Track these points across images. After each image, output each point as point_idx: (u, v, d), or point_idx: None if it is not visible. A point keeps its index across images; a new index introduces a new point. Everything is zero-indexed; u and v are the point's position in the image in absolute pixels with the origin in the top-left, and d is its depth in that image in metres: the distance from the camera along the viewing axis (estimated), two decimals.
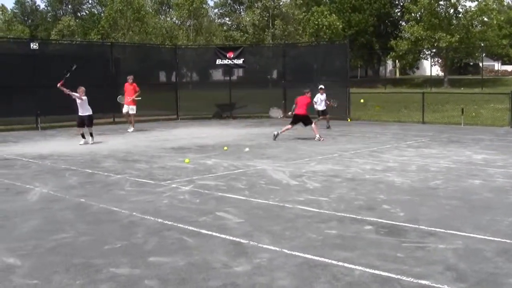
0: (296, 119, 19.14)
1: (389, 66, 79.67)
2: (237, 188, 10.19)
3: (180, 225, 7.57)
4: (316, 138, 18.37)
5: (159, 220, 7.88)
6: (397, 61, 68.80)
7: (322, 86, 23.36)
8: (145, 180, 11.08)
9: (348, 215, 8.06)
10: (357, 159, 13.83)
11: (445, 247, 6.51)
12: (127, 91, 22.81)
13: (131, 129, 22.60)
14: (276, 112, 20.50)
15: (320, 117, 22.88)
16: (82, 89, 18.43)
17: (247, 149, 16.07)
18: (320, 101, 22.91)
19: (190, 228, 7.44)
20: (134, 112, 22.85)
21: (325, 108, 23.11)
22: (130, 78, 22.97)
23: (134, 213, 8.27)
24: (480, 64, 63.09)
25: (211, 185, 10.43)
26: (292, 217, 7.99)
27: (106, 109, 27.30)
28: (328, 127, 22.63)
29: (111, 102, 27.09)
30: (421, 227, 7.40)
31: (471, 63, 75.07)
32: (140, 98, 22.81)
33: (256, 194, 9.62)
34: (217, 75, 37.04)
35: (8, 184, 10.95)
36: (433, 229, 7.27)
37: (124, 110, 23.00)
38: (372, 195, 9.47)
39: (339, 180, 10.95)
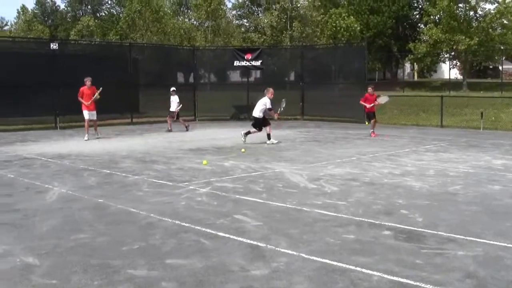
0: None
1: (407, 68, 79.28)
2: (255, 190, 10.18)
3: (198, 227, 7.56)
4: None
5: (177, 221, 7.88)
6: (415, 63, 68.43)
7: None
8: (163, 182, 11.09)
9: (366, 220, 8.02)
10: (375, 163, 13.77)
11: (465, 254, 6.46)
12: (86, 95, 20.02)
13: (98, 134, 20.54)
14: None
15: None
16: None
17: (243, 150, 16.16)
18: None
19: (208, 230, 7.43)
20: (95, 118, 20.43)
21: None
22: (88, 81, 20.09)
23: (152, 214, 8.28)
24: (500, 67, 62.57)
25: (228, 187, 10.43)
26: (310, 221, 7.97)
27: (124, 109, 27.47)
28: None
29: (129, 103, 27.27)
30: (440, 233, 7.34)
31: (491, 66, 74.47)
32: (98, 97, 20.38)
33: (274, 197, 9.60)
34: (235, 76, 37.08)
35: (28, 183, 11.02)
36: (452, 235, 7.21)
37: (88, 116, 20.15)
38: (391, 199, 9.42)
39: (357, 184, 10.91)
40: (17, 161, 14.38)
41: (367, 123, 26.32)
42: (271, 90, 19.22)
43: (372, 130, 20.94)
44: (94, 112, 20.24)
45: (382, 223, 7.86)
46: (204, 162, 13.55)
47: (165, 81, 29.82)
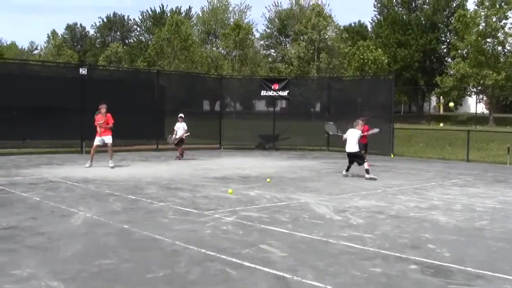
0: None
1: (433, 102, 79.06)
2: (280, 221, 10.11)
3: (223, 256, 7.51)
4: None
5: (202, 250, 7.83)
6: (441, 97, 68.29)
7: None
8: (188, 209, 11.07)
9: (392, 254, 7.92)
10: (401, 196, 13.66)
11: None
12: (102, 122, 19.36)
13: (111, 163, 19.25)
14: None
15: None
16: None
17: (268, 179, 16.11)
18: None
19: (233, 260, 7.37)
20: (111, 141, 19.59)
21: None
22: (103, 107, 19.44)
23: (177, 242, 8.24)
24: None
25: (254, 217, 10.38)
26: (336, 253, 7.89)
27: (151, 135, 27.58)
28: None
29: (156, 129, 27.39)
30: (467, 268, 7.22)
31: None
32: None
33: (300, 227, 9.53)
34: (260, 105, 37.17)
35: (53, 207, 11.05)
36: (480, 271, 7.09)
37: (99, 142, 19.52)
38: (417, 233, 9.31)
39: (383, 217, 10.81)
40: (42, 184, 14.46)
41: (392, 155, 26.26)
42: (360, 122, 18.30)
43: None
44: (109, 137, 19.44)
45: (409, 257, 7.75)
46: (230, 191, 13.51)
47: (191, 108, 30.01)
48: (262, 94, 31.12)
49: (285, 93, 30.64)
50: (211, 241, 8.43)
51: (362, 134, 18.96)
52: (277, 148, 29.87)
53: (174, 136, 22.80)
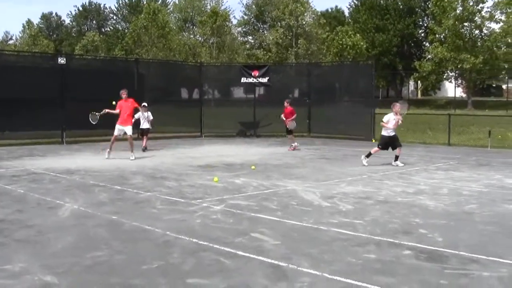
0: None
1: (411, 86, 79.39)
2: (270, 208, 10.07)
3: (216, 246, 7.45)
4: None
5: (194, 240, 7.76)
6: (419, 82, 68.58)
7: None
8: (175, 199, 10.99)
9: (385, 239, 7.91)
10: (387, 181, 13.68)
11: (490, 275, 6.34)
12: (124, 108, 18.64)
13: (132, 156, 18.48)
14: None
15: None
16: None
17: (253, 167, 16.10)
18: None
19: (226, 249, 7.31)
20: (131, 133, 19.03)
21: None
22: (124, 93, 18.86)
23: (168, 232, 8.17)
24: (504, 86, 62.73)
25: (242, 205, 10.33)
26: (328, 240, 7.86)
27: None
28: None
29: (134, 119, 27.16)
30: (461, 253, 7.22)
31: (494, 85, 74.63)
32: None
33: (289, 215, 9.49)
34: (239, 92, 37.06)
35: (39, 199, 10.92)
36: (474, 255, 7.09)
37: (118, 131, 18.82)
38: (407, 218, 9.32)
39: (371, 202, 10.81)
40: (25, 176, 14.30)
41: (373, 140, 26.30)
42: (397, 105, 17.48)
43: (291, 144, 22.29)
44: (129, 127, 18.71)
45: (402, 242, 7.75)
46: (215, 179, 13.45)
47: (170, 97, 29.90)
48: (242, 81, 31.00)
49: (265, 80, 30.55)
50: (202, 230, 8.37)
51: (285, 118, 21.44)
52: (258, 135, 29.79)
53: (142, 126, 21.91)
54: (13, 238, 7.93)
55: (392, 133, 17.22)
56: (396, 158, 17.19)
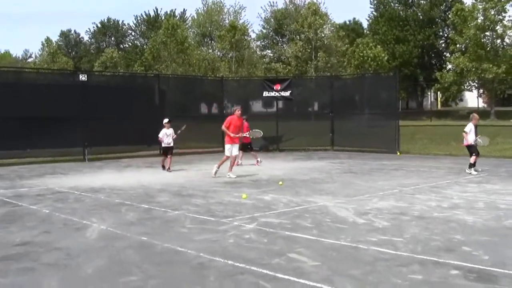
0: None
1: (431, 98, 78.78)
2: (303, 226, 9.72)
3: (253, 268, 7.10)
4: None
5: (229, 262, 7.42)
6: (438, 92, 67.99)
7: None
8: (205, 217, 10.68)
9: (428, 258, 7.53)
10: (419, 195, 13.30)
11: None
12: (234, 126, 17.87)
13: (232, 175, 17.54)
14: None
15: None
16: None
17: (280, 182, 15.76)
18: None
19: (264, 271, 6.96)
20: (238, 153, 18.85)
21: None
22: (238, 109, 18.31)
23: (201, 254, 7.83)
24: None
25: (275, 223, 9.98)
26: (370, 260, 7.50)
27: (152, 141, 27.11)
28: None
29: (157, 134, 26.98)
30: (511, 272, 6.85)
31: None
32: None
33: (325, 233, 9.14)
34: (257, 107, 36.81)
35: (65, 219, 10.66)
36: None
37: (231, 151, 17.82)
38: (447, 235, 8.94)
39: (407, 218, 10.43)
40: (50, 195, 14.08)
41: (398, 153, 25.92)
42: (476, 116, 19.10)
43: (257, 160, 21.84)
44: (237, 146, 18.24)
45: (447, 261, 7.38)
46: (244, 196, 13.13)
47: (191, 112, 29.76)
48: (264, 95, 30.77)
49: (287, 93, 30.30)
50: (236, 251, 8.03)
51: (244, 135, 19.77)
52: (281, 150, 29.50)
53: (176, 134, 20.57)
54: (41, 261, 7.64)
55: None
56: (470, 165, 18.16)
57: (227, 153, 17.76)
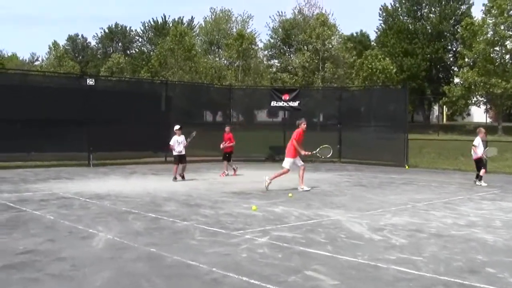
0: None
1: (436, 111, 78.35)
2: (318, 241, 9.36)
3: (270, 286, 6.72)
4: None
5: (244, 278, 7.06)
6: (444, 106, 67.61)
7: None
8: (215, 229, 10.31)
9: (452, 280, 7.17)
10: (434, 212, 12.93)
11: None
12: (301, 141, 17.67)
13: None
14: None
15: None
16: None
17: (290, 194, 15.45)
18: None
19: None
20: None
21: None
22: (304, 123, 17.94)
23: (214, 269, 7.46)
24: None
25: (288, 237, 9.62)
26: (390, 280, 7.13)
27: (158, 148, 26.81)
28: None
29: (163, 141, 26.66)
30: None
31: None
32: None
33: (341, 249, 8.78)
34: (262, 116, 36.54)
35: (70, 227, 10.31)
36: None
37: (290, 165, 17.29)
38: (468, 255, 8.58)
39: (424, 236, 10.06)
40: (54, 200, 13.76)
41: (407, 167, 25.60)
42: (482, 130, 19.87)
43: (224, 171, 21.64)
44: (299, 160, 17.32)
45: (472, 284, 7.01)
46: (254, 207, 12.78)
47: (198, 119, 29.46)
48: (272, 104, 30.49)
49: (295, 104, 29.99)
50: (250, 267, 7.67)
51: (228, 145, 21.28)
52: None
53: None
54: (46, 272, 7.28)
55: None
56: (480, 178, 18.91)
57: (287, 166, 17.14)
